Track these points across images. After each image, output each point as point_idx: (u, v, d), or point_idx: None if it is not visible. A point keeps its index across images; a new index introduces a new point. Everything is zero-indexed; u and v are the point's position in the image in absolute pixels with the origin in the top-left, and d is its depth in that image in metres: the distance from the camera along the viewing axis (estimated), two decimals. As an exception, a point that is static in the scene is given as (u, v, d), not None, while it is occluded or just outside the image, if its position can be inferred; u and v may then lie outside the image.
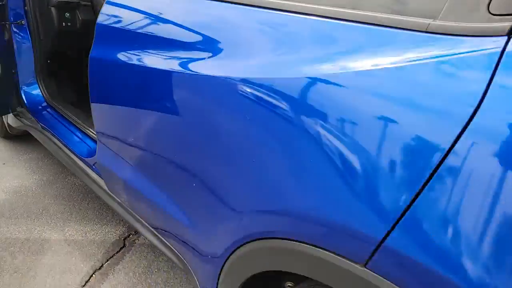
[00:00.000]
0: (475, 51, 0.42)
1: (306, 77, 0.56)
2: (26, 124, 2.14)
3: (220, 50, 0.83)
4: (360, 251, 0.48)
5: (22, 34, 2.09)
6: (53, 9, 1.92)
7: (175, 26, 0.98)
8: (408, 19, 0.48)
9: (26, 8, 1.97)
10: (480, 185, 0.39)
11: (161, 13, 1.06)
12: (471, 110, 0.40)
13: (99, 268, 1.64)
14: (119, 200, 1.33)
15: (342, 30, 0.56)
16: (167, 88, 0.97)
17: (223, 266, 0.80)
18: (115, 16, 1.14)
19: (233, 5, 0.78)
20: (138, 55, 1.05)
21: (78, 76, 2.68)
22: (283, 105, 0.59)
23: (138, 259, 1.74)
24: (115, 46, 1.15)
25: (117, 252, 1.83)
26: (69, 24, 1.99)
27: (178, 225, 0.99)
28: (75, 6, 2.00)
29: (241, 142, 0.70)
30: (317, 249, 0.54)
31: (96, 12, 2.11)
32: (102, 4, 2.21)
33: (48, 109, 2.13)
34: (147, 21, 1.04)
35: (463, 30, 0.43)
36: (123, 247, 1.87)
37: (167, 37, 0.97)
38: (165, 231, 1.07)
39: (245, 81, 0.67)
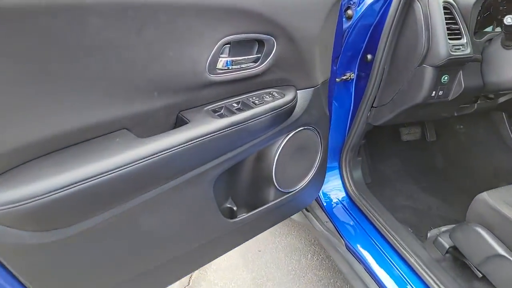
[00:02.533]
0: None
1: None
2: (315, 227, 1.64)
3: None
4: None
5: (341, 93, 1.58)
6: (430, 69, 1.28)
7: None
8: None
9: (368, 56, 1.41)
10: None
11: None
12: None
13: None
14: None
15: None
16: None
17: None
18: None
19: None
20: None
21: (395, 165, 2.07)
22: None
23: None
24: None
25: None
26: (440, 93, 1.30)
27: None
28: (460, 64, 1.32)
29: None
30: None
31: (484, 74, 1.35)
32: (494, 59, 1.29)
33: (357, 215, 1.55)
34: None
35: None
36: None
37: None
38: None
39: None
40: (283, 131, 1.04)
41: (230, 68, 0.87)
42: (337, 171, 1.55)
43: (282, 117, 0.98)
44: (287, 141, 1.07)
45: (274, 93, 0.97)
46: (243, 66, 0.89)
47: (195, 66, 0.78)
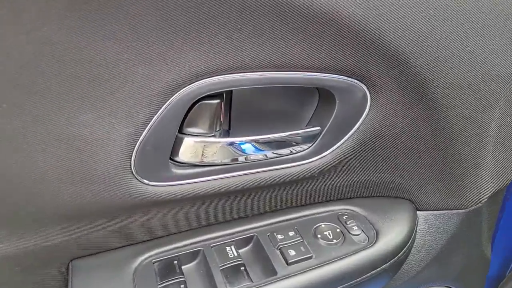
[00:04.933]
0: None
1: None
2: None
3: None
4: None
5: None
6: None
7: None
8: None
9: None
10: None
11: None
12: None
13: None
14: None
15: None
16: None
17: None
18: None
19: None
20: None
21: None
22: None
23: None
24: None
25: None
26: None
27: None
28: None
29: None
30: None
31: None
32: None
33: None
34: None
35: None
36: None
37: None
38: None
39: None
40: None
41: (238, 161, 0.34)
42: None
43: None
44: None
45: (351, 223, 0.40)
46: (271, 154, 0.36)
47: (92, 162, 0.28)
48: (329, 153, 0.36)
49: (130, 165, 0.29)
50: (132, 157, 0.29)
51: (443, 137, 0.37)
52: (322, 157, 0.36)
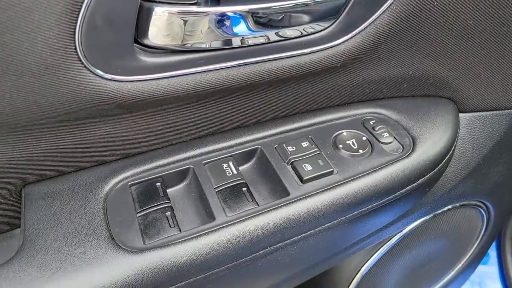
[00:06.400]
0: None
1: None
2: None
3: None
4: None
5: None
6: None
7: None
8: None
9: None
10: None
11: None
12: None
13: None
14: None
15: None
16: None
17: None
18: None
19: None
20: None
21: None
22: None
23: None
24: None
25: None
26: None
27: None
28: None
29: None
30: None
31: None
32: None
33: None
34: None
35: None
36: None
37: None
38: None
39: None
40: (395, 224, 0.41)
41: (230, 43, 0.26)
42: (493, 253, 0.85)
43: (392, 207, 0.35)
44: (400, 239, 0.44)
45: (380, 129, 0.33)
46: (276, 37, 0.27)
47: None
48: (358, 33, 0.27)
49: (75, 47, 0.20)
50: (76, 35, 0.20)
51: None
52: (348, 39, 0.27)
